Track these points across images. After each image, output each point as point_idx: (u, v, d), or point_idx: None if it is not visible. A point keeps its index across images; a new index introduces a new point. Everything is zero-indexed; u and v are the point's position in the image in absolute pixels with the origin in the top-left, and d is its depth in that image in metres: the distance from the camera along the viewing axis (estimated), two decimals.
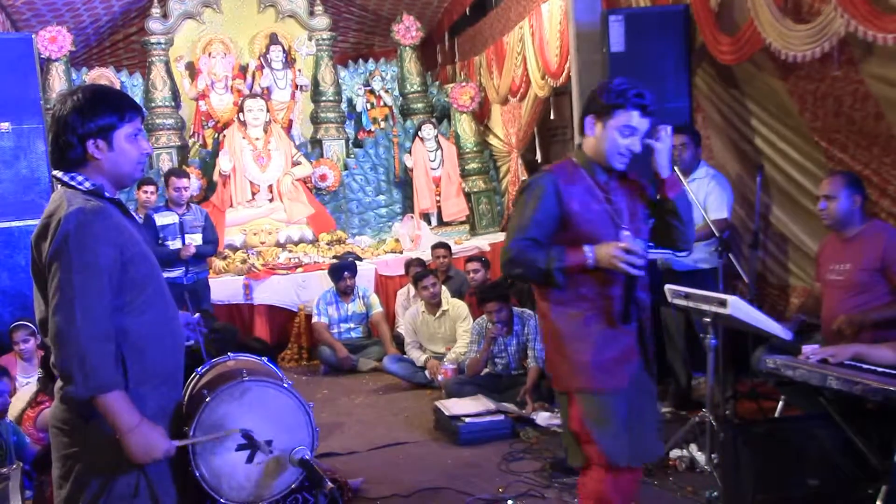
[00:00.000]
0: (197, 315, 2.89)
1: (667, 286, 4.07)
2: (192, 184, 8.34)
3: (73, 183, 2.22)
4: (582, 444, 2.72)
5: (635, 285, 2.65)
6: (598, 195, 2.70)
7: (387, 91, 9.73)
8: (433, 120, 9.29)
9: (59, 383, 2.20)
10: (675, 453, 4.19)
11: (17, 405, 4.47)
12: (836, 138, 4.65)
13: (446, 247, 7.45)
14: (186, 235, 6.34)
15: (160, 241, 6.20)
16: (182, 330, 2.42)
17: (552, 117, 8.40)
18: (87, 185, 2.22)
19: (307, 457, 2.59)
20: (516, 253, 2.65)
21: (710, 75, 5.54)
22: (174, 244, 6.27)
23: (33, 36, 6.31)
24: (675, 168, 4.67)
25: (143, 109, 2.40)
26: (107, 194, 2.25)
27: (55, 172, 2.27)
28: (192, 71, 9.16)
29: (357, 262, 7.55)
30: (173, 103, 8.95)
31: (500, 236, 8.58)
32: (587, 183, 2.70)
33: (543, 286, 2.71)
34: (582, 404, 2.70)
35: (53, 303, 2.09)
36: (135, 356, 2.19)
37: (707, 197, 4.73)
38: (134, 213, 2.39)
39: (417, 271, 6.69)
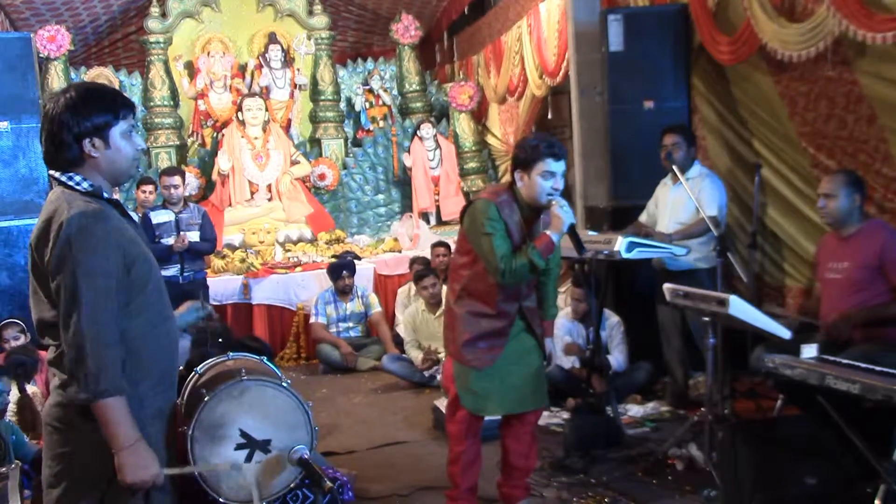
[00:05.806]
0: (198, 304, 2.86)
1: (665, 285, 4.07)
2: (192, 183, 8.37)
3: (71, 183, 2.18)
4: (448, 393, 3.68)
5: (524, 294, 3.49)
6: (522, 228, 3.43)
7: (385, 90, 9.73)
8: (432, 119, 9.28)
9: (55, 381, 2.19)
10: (673, 452, 4.19)
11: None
12: (823, 144, 4.64)
13: (446, 245, 7.42)
14: (182, 233, 6.33)
15: (156, 239, 6.21)
16: (177, 329, 2.40)
17: (550, 117, 8.40)
18: (86, 185, 2.19)
19: (306, 456, 2.59)
20: (507, 267, 3.32)
21: (708, 75, 5.53)
22: (169, 241, 6.26)
23: (32, 35, 6.31)
24: (674, 167, 4.78)
25: (135, 105, 2.36)
26: (105, 195, 2.22)
27: (52, 172, 2.22)
28: (191, 70, 9.15)
29: (356, 262, 7.54)
30: (172, 102, 8.95)
31: None
32: (517, 217, 3.42)
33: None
34: (453, 366, 3.59)
35: (62, 310, 2.08)
36: (131, 356, 2.17)
37: (698, 196, 4.72)
38: (132, 213, 2.38)
39: (419, 269, 6.68)
